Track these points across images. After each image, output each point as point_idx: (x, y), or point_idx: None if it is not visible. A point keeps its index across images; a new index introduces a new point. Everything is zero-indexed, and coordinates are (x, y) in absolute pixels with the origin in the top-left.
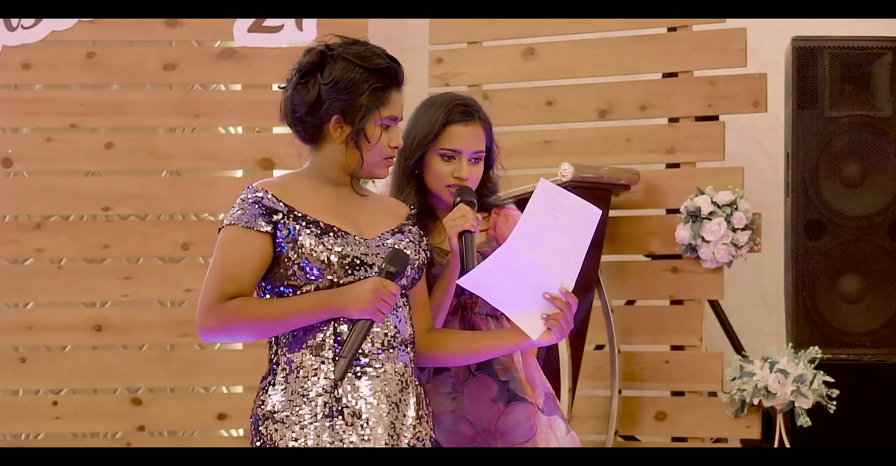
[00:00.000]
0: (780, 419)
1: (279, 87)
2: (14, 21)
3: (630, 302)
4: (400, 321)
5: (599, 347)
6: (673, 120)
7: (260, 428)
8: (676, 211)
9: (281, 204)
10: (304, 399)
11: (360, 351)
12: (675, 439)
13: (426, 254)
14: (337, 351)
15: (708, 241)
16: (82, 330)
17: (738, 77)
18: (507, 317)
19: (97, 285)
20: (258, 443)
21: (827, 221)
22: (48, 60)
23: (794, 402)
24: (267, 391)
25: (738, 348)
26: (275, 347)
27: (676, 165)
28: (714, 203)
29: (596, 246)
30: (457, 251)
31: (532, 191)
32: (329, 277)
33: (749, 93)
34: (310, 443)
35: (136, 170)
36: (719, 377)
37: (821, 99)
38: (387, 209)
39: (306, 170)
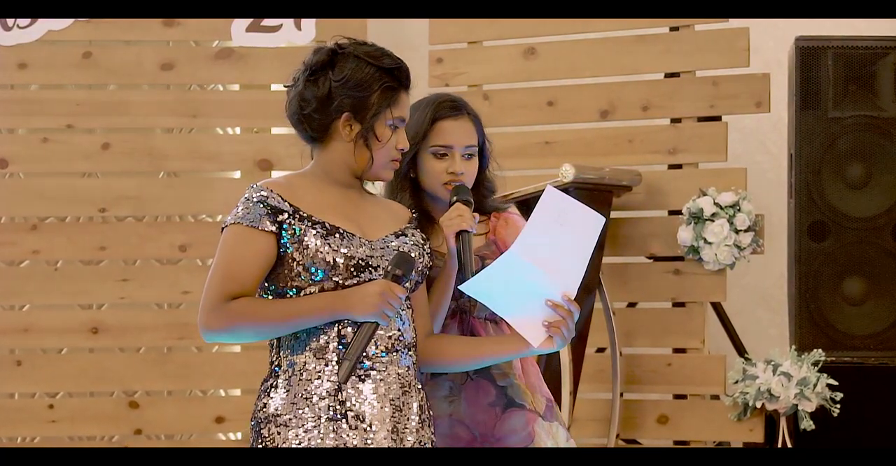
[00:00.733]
0: (783, 422)
1: (285, 86)
2: (10, 20)
3: (632, 305)
4: (404, 324)
5: (601, 350)
6: (675, 120)
7: (262, 431)
8: (678, 212)
9: (286, 203)
10: (308, 402)
11: (364, 353)
12: (677, 442)
13: (429, 258)
14: (341, 353)
15: (710, 243)
16: (79, 332)
17: (741, 77)
18: (507, 324)
19: (94, 287)
20: (260, 446)
21: (830, 223)
22: (44, 60)
23: (797, 405)
24: (269, 393)
25: (740, 350)
26: (276, 349)
27: (679, 166)
28: (716, 204)
29: (597, 248)
30: (454, 251)
31: (533, 192)
32: (334, 279)
33: (752, 93)
34: (313, 446)
35: (133, 171)
36: (722, 380)
37: (824, 99)
38: (390, 211)
39: (310, 170)
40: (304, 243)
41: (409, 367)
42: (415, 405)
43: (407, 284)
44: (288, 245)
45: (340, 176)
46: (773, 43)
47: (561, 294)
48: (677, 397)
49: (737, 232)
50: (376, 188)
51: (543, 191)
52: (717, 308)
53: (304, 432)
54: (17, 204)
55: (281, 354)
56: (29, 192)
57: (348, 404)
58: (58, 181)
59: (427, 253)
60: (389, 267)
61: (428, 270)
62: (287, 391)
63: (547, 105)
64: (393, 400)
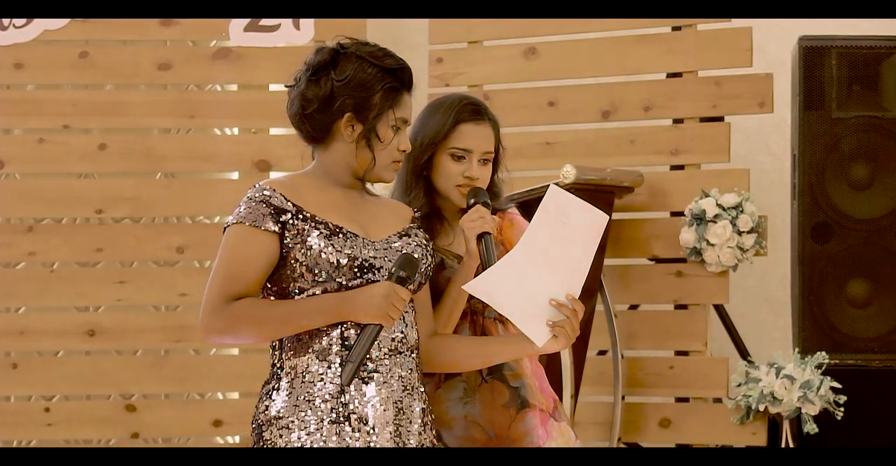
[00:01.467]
0: (786, 425)
1: (286, 86)
2: (5, 20)
3: (633, 307)
4: (407, 326)
5: (602, 352)
6: (677, 121)
7: (264, 434)
8: (681, 213)
9: (289, 203)
10: (310, 405)
11: (367, 356)
12: (679, 446)
13: (433, 259)
14: (344, 355)
15: (713, 244)
16: (75, 335)
17: (744, 77)
18: (512, 324)
19: (90, 289)
20: None
21: (834, 224)
22: (40, 60)
23: (800, 408)
24: (270, 396)
25: (743, 353)
26: (278, 351)
27: (681, 167)
28: (719, 205)
29: (599, 250)
30: (475, 253)
31: (534, 193)
32: (337, 279)
33: (755, 93)
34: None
35: (130, 172)
36: (724, 383)
37: (828, 99)
38: (392, 211)
39: (312, 171)
40: (308, 243)
41: (411, 369)
42: (417, 407)
43: (411, 286)
44: (291, 245)
45: (342, 176)
46: (776, 42)
47: (565, 293)
48: (679, 400)
49: (740, 233)
50: (380, 187)
51: (546, 190)
52: (720, 310)
53: (307, 434)
54: (12, 205)
55: (283, 356)
56: (25, 193)
57: (351, 406)
58: (54, 182)
59: (430, 254)
60: (393, 269)
61: (431, 271)
62: (289, 393)
63: (548, 105)
64: (396, 403)
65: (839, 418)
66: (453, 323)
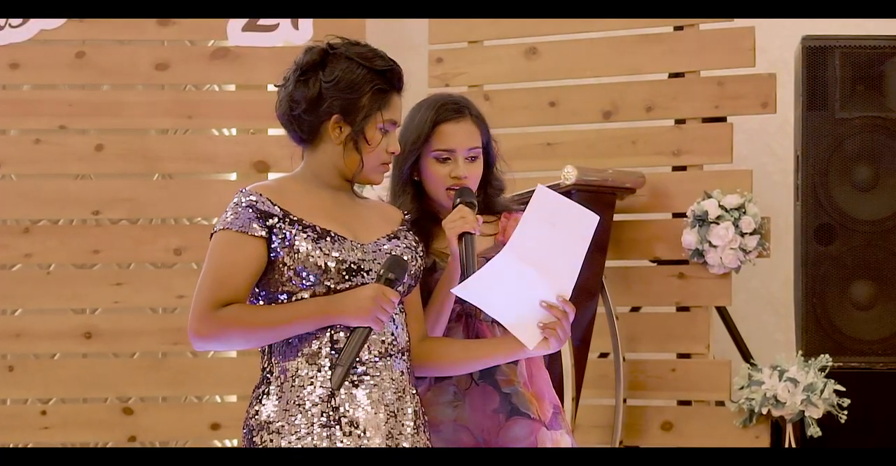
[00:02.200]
0: (789, 429)
1: (275, 86)
2: (1, 20)
3: (635, 309)
4: (397, 328)
5: (604, 355)
6: (679, 121)
7: (254, 439)
8: (683, 215)
9: (276, 207)
10: (300, 409)
11: (357, 359)
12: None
13: (422, 261)
14: (334, 359)
15: (715, 246)
16: (72, 337)
17: (747, 77)
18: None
19: (87, 291)
20: None
21: (838, 226)
22: (36, 60)
23: (804, 412)
24: (260, 400)
25: (746, 356)
26: (268, 355)
27: (683, 168)
28: (722, 207)
29: (600, 252)
30: (457, 254)
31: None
32: (326, 283)
33: (758, 93)
34: None
35: (127, 173)
36: (727, 386)
37: (831, 100)
38: (382, 214)
39: (300, 173)
40: (295, 247)
41: (402, 372)
42: (409, 410)
43: (400, 288)
44: (278, 249)
45: (330, 178)
46: (779, 42)
47: (555, 295)
48: (681, 403)
49: (742, 235)
50: (378, 191)
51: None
52: (722, 312)
53: (297, 439)
54: (8, 206)
55: (273, 360)
56: (21, 195)
57: (342, 410)
58: (50, 183)
59: (420, 256)
60: (382, 271)
61: (422, 273)
62: (279, 397)
63: (549, 105)
64: (387, 406)
65: (843, 421)
66: (442, 325)
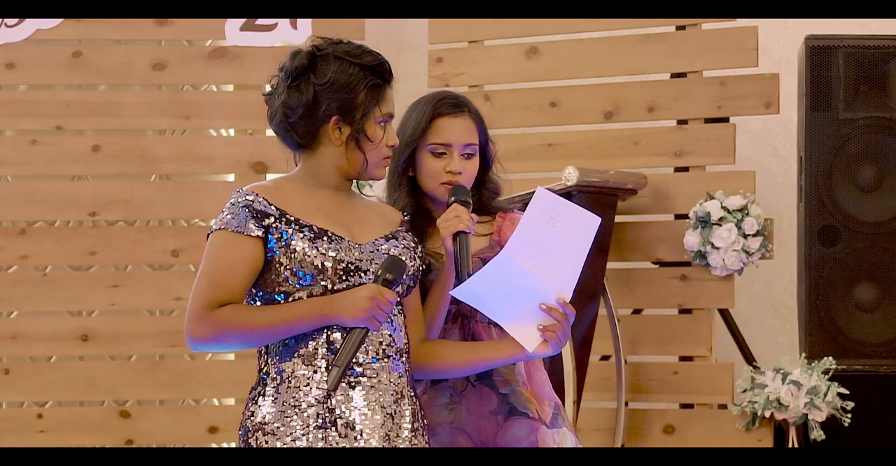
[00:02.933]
0: (792, 432)
1: (264, 95)
2: None
3: (637, 311)
4: (395, 330)
5: (605, 358)
6: (682, 122)
7: (250, 441)
8: (685, 216)
9: (272, 207)
10: (296, 410)
11: (354, 360)
12: None
13: (421, 262)
14: (330, 360)
15: (718, 248)
16: (68, 339)
17: (750, 77)
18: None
19: (84, 293)
20: None
21: (841, 227)
22: (33, 60)
23: (807, 415)
24: (257, 402)
25: (749, 359)
26: (264, 356)
27: (685, 169)
28: (724, 208)
29: (602, 253)
30: (451, 253)
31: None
32: (323, 283)
33: (761, 94)
34: None
35: (123, 174)
36: (730, 389)
37: (835, 100)
38: (380, 214)
39: (297, 174)
40: (292, 247)
41: (401, 374)
42: (407, 412)
43: (398, 289)
44: (275, 249)
45: (331, 179)
46: (782, 42)
47: (555, 297)
48: (684, 406)
49: (745, 236)
50: (377, 191)
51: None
52: (725, 315)
53: (293, 440)
54: (4, 208)
55: (269, 361)
56: (17, 196)
57: (338, 411)
58: (47, 184)
59: (419, 257)
60: (379, 271)
61: (421, 274)
62: (275, 399)
63: (550, 106)
64: (384, 408)
65: (846, 424)
66: (438, 326)
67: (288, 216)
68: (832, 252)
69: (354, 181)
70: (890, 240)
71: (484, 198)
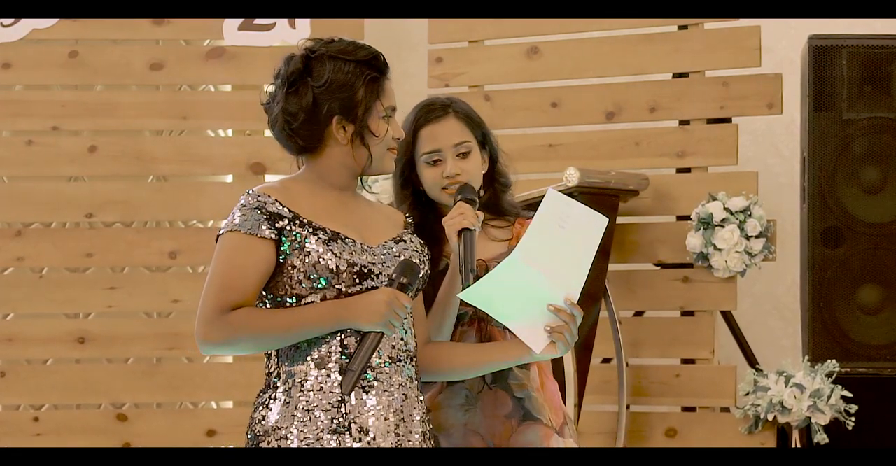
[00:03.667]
0: (795, 435)
1: (263, 104)
2: None
3: (639, 314)
4: (406, 333)
5: (607, 360)
6: (684, 122)
7: (261, 445)
8: (687, 217)
9: (285, 209)
10: (309, 415)
11: (368, 364)
12: None
13: (429, 265)
14: (344, 364)
15: (720, 249)
16: (65, 342)
17: (752, 77)
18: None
19: (80, 295)
20: None
21: (845, 228)
22: (29, 60)
23: (810, 418)
24: (268, 405)
25: (751, 361)
26: (275, 359)
27: (687, 170)
28: (727, 209)
29: (603, 255)
30: (457, 250)
31: (536, 197)
32: (337, 286)
33: (763, 94)
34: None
35: (120, 175)
36: (732, 391)
37: (839, 100)
38: (386, 216)
39: (303, 176)
40: (306, 250)
41: (411, 377)
42: (417, 417)
43: (411, 293)
44: (288, 252)
45: (338, 179)
46: (785, 42)
47: (563, 298)
48: (686, 409)
49: (748, 238)
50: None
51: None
52: (728, 317)
53: (306, 445)
54: (0, 209)
55: (280, 364)
56: (13, 197)
57: (352, 416)
58: (43, 185)
59: (427, 260)
60: (394, 276)
61: (428, 277)
62: (287, 403)
63: (550, 106)
64: (396, 412)
65: (850, 428)
66: (449, 328)
67: (301, 218)
68: (836, 253)
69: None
70: (894, 242)
71: (497, 193)
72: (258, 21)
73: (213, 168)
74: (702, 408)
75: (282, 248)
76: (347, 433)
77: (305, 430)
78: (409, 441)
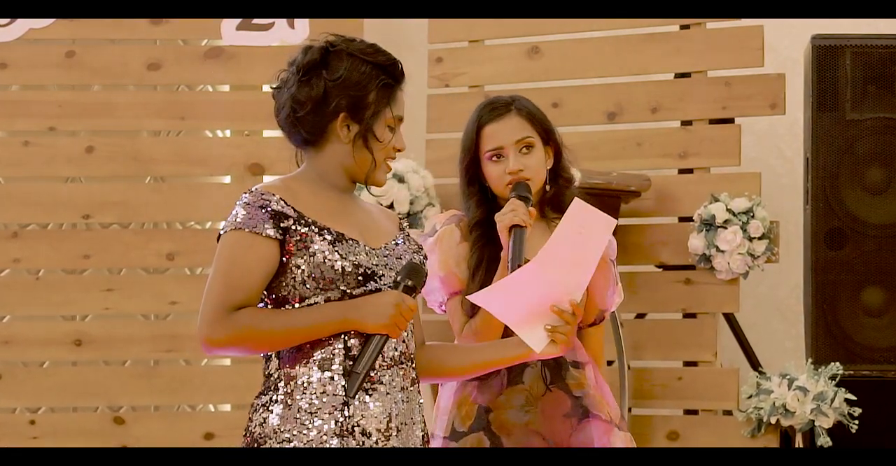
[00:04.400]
0: (799, 439)
1: (272, 88)
2: None
3: (641, 316)
4: (408, 336)
5: (608, 363)
6: (686, 123)
7: (262, 448)
8: (689, 219)
9: (290, 208)
10: (311, 418)
11: (372, 367)
12: None
13: (426, 268)
14: (347, 366)
15: (723, 251)
16: (61, 344)
17: (755, 77)
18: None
19: (77, 297)
20: None
21: (848, 230)
22: (25, 60)
23: (813, 421)
24: (268, 408)
25: (754, 364)
26: (276, 361)
27: (689, 171)
28: (729, 210)
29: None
30: (506, 247)
31: None
32: (342, 287)
33: (766, 94)
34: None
35: (118, 176)
36: (735, 394)
37: (842, 100)
38: (384, 218)
39: (303, 174)
40: (311, 250)
41: (412, 380)
42: (418, 419)
43: (416, 295)
44: (293, 252)
45: (336, 180)
46: (788, 41)
47: (567, 300)
48: (688, 412)
49: (750, 239)
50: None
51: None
52: (730, 319)
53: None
54: None
55: (281, 366)
56: (9, 198)
57: (354, 419)
58: (39, 186)
59: (425, 261)
60: (400, 278)
61: (426, 280)
62: (288, 405)
63: (551, 106)
64: (398, 416)
65: (854, 431)
66: (497, 328)
67: (306, 217)
68: (839, 255)
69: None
70: None
71: (561, 189)
72: (256, 21)
73: (211, 169)
74: (704, 411)
75: (286, 248)
76: (350, 437)
77: (308, 433)
78: (411, 443)
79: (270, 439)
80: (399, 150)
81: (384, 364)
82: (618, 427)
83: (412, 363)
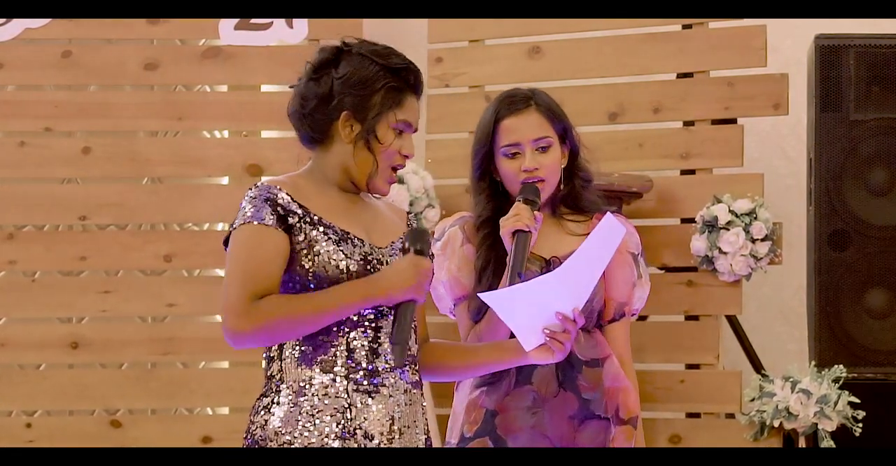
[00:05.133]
0: (802, 442)
1: (290, 87)
2: None
3: (642, 318)
4: (411, 339)
5: None
6: (688, 123)
7: (262, 449)
8: (692, 220)
9: (295, 204)
10: (314, 420)
11: (371, 369)
12: None
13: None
14: (349, 367)
15: (725, 253)
16: (58, 347)
17: (758, 77)
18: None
19: (74, 299)
20: None
21: (852, 231)
22: (21, 60)
23: (817, 424)
24: (270, 409)
25: (757, 367)
26: (277, 362)
27: (692, 172)
28: (732, 212)
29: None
30: (510, 251)
31: None
32: None
33: (769, 94)
34: None
35: (115, 177)
36: (737, 397)
37: (846, 101)
38: (391, 214)
39: (309, 172)
40: (315, 249)
41: (415, 381)
42: (420, 421)
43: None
44: (297, 249)
45: (338, 179)
46: (791, 41)
47: (572, 306)
48: (690, 415)
49: (753, 241)
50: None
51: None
52: (733, 321)
53: None
54: None
55: (283, 368)
56: (5, 199)
57: (357, 421)
58: (35, 187)
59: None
60: (408, 245)
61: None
62: (290, 407)
63: None
64: (401, 418)
65: (857, 434)
66: (502, 334)
67: (311, 215)
68: (842, 256)
69: None
70: None
71: (577, 188)
72: (255, 20)
73: (208, 169)
74: (706, 414)
75: (291, 246)
76: (352, 439)
77: (310, 436)
78: (414, 446)
79: (271, 441)
80: (406, 157)
81: (387, 366)
82: (626, 422)
83: (415, 365)
